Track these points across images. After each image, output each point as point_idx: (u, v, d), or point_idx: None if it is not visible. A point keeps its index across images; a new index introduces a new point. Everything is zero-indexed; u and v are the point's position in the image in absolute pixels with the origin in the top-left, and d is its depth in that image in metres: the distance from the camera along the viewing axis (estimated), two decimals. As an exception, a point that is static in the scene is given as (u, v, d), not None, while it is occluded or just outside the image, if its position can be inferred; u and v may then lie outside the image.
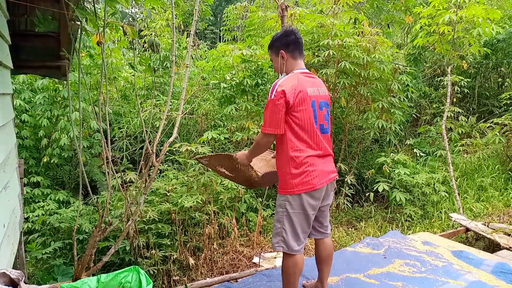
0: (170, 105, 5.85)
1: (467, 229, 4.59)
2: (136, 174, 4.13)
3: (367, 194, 5.63)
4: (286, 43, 2.55)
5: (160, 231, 4.17)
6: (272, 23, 6.33)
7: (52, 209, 4.88)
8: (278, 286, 2.70)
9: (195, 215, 4.32)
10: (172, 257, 4.04)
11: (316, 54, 5.83)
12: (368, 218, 5.47)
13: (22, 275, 2.19)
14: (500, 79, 9.37)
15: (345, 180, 5.57)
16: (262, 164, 2.99)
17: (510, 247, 4.00)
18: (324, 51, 5.61)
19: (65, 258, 4.41)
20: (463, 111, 7.70)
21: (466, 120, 7.70)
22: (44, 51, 3.70)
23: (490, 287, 3.05)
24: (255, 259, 4.05)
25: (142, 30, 6.99)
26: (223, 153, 2.87)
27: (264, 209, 4.78)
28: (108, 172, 3.41)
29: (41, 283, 2.49)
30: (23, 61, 3.80)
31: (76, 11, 2.66)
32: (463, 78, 7.16)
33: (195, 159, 3.52)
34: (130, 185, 4.21)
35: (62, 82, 5.99)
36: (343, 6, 5.97)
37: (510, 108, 7.31)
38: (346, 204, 5.59)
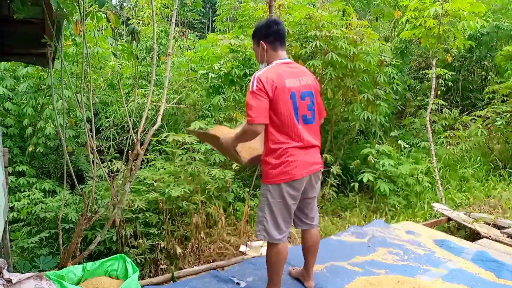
0: (157, 94, 5.84)
1: (449, 219, 4.70)
2: (122, 163, 4.11)
3: (352, 185, 5.71)
4: (267, 34, 2.55)
5: (147, 220, 4.17)
6: (261, 13, 6.31)
7: (37, 198, 4.84)
8: (264, 273, 2.74)
9: (182, 205, 4.33)
10: (159, 246, 4.05)
11: (303, 45, 5.85)
12: (353, 207, 5.55)
13: (5, 263, 2.18)
14: (483, 73, 9.54)
15: (331, 170, 5.63)
16: (257, 144, 2.96)
17: (490, 236, 4.11)
18: (311, 42, 5.63)
19: (51, 247, 4.39)
20: (447, 104, 7.83)
21: (450, 112, 7.84)
22: (28, 38, 3.63)
23: (469, 274, 3.14)
24: (242, 248, 4.09)
25: (130, 19, 6.90)
26: (211, 133, 2.87)
27: (251, 199, 4.81)
28: (93, 161, 3.39)
29: (24, 273, 2.49)
30: (6, 48, 3.73)
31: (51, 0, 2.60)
32: (447, 71, 7.27)
33: (186, 130, 3.52)
34: (117, 175, 4.20)
35: (46, 70, 5.90)
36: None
37: (493, 101, 7.47)
38: (332, 194, 5.66)
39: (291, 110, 2.46)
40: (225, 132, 2.85)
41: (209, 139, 2.96)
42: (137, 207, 3.99)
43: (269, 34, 2.54)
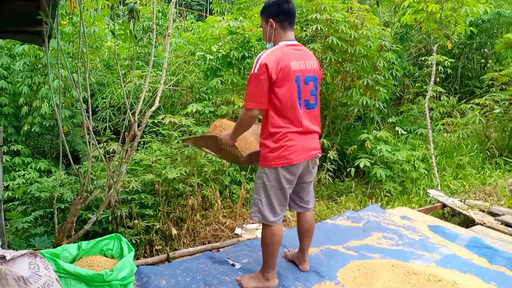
0: (154, 76, 5.78)
1: (444, 205, 4.73)
2: (119, 144, 4.09)
3: (348, 170, 5.72)
4: (277, 12, 2.46)
5: (143, 201, 4.17)
6: (261, -6, 6.21)
7: (33, 178, 4.82)
8: (259, 255, 2.76)
9: (178, 187, 4.33)
10: (154, 227, 4.06)
11: (303, 28, 5.78)
12: (348, 193, 5.57)
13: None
14: (483, 60, 9.49)
15: (328, 155, 5.63)
16: (253, 138, 2.96)
17: (484, 223, 4.14)
18: (312, 26, 5.56)
19: (46, 226, 4.39)
20: (445, 91, 7.80)
21: (448, 100, 7.82)
22: (23, 15, 3.56)
23: (463, 259, 3.17)
24: (237, 230, 4.11)
25: (127, -1, 6.81)
26: (207, 134, 2.84)
27: (247, 182, 4.82)
28: (89, 142, 3.37)
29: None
30: (1, 25, 3.66)
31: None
32: (447, 58, 7.22)
33: (181, 140, 3.50)
34: (113, 156, 4.18)
35: (42, 48, 5.81)
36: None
37: (491, 89, 7.44)
38: (328, 179, 5.67)
39: (294, 94, 2.42)
40: (225, 127, 2.81)
41: (207, 143, 2.90)
42: (132, 188, 3.98)
43: (280, 13, 2.46)
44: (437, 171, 5.56)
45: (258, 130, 2.82)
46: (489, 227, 4.06)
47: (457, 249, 3.39)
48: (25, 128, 5.74)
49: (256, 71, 2.35)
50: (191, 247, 3.83)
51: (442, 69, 7.42)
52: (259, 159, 2.56)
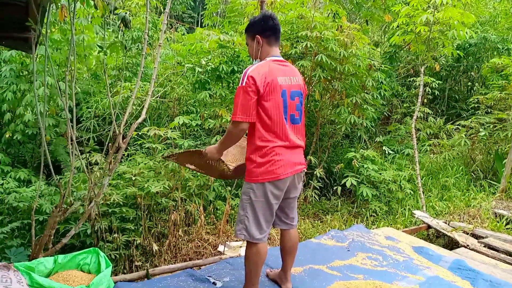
0: (142, 87, 5.71)
1: (429, 226, 4.73)
2: (102, 156, 4.00)
3: (334, 188, 5.70)
4: (263, 29, 2.49)
5: (124, 215, 4.06)
6: (252, 9, 6.25)
7: (11, 187, 4.67)
8: (241, 274, 2.69)
9: (161, 201, 4.24)
10: (135, 242, 3.95)
11: (294, 45, 5.81)
12: (334, 211, 5.54)
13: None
14: (469, 83, 9.65)
15: (314, 173, 5.60)
16: (236, 150, 2.92)
17: (468, 245, 4.14)
18: (302, 43, 5.59)
19: (23, 239, 4.23)
20: (432, 112, 7.89)
21: (435, 121, 7.90)
22: (11, 21, 3.51)
23: (446, 282, 3.14)
24: (220, 248, 4.03)
25: (117, 8, 6.77)
26: (191, 149, 2.78)
27: (232, 198, 4.74)
28: (72, 152, 3.29)
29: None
30: (-12, 30, 3.59)
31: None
32: (434, 80, 7.32)
33: (163, 157, 3.41)
34: (96, 167, 4.08)
35: (29, 55, 5.72)
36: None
37: (477, 112, 7.55)
38: (314, 197, 5.63)
39: (281, 108, 2.42)
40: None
41: (190, 159, 2.83)
42: (114, 201, 3.88)
43: (266, 29, 2.49)
44: (423, 192, 5.57)
45: (242, 142, 2.78)
46: (473, 249, 4.07)
47: (441, 271, 3.37)
48: (7, 136, 5.60)
49: (244, 84, 2.34)
50: (172, 263, 3.73)
51: (430, 91, 7.53)
52: (245, 172, 2.52)
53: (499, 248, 4.10)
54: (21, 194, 4.38)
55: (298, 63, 5.56)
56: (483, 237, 4.38)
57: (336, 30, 5.79)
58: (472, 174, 6.74)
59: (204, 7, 10.33)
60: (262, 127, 2.41)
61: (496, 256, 3.91)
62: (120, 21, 3.56)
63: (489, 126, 6.93)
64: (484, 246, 4.17)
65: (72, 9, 3.32)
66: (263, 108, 2.38)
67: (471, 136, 7.01)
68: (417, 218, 4.93)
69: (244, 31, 2.67)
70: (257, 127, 2.41)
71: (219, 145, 2.53)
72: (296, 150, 2.56)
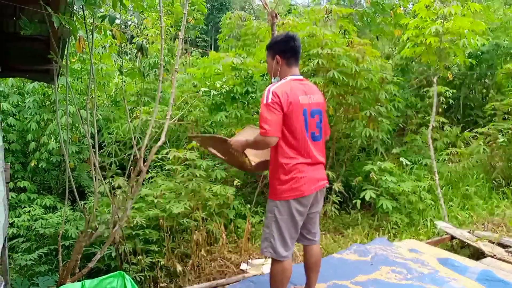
0: (160, 111, 5.86)
1: (452, 237, 4.64)
2: (124, 179, 4.10)
3: (354, 202, 5.67)
4: (284, 50, 2.55)
5: (147, 237, 4.14)
6: (264, 31, 6.39)
7: (38, 214, 4.82)
8: (266, 292, 2.71)
9: (183, 221, 4.30)
10: (159, 264, 4.01)
11: (306, 63, 5.90)
12: (355, 225, 5.50)
13: (2, 281, 2.16)
14: (484, 90, 9.55)
15: (333, 187, 5.60)
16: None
17: (495, 255, 4.05)
18: (313, 60, 5.68)
19: (50, 264, 4.35)
20: (448, 121, 7.83)
21: (451, 130, 7.83)
22: (33, 55, 3.68)
23: (474, 293, 3.09)
24: (243, 266, 4.04)
25: (135, 37, 6.99)
26: (218, 135, 2.84)
27: (252, 216, 4.78)
28: (95, 177, 3.39)
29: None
30: (12, 64, 3.77)
31: (53, 17, 2.65)
32: (448, 89, 7.29)
33: (188, 135, 3.46)
34: (118, 191, 4.19)
35: (51, 86, 5.95)
36: (334, 16, 6.07)
37: (494, 118, 7.46)
38: (334, 211, 5.62)
39: (302, 126, 2.47)
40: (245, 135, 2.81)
41: (214, 144, 2.90)
42: (137, 223, 3.96)
43: (286, 50, 2.55)
44: (444, 202, 5.50)
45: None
46: (500, 259, 3.97)
47: (468, 282, 3.31)
48: (32, 164, 5.80)
49: (270, 101, 2.38)
50: (196, 283, 3.76)
51: (444, 100, 7.48)
52: (266, 168, 2.56)
53: (527, 257, 4.01)
54: (47, 221, 4.51)
55: (311, 80, 5.64)
56: (510, 246, 4.28)
57: (347, 45, 5.87)
58: (494, 181, 6.62)
59: (218, 30, 10.56)
60: (285, 144, 2.46)
61: (525, 266, 3.82)
62: (138, 49, 3.70)
63: (508, 132, 6.83)
64: (512, 256, 4.07)
65: (90, 39, 3.48)
66: (286, 126, 2.43)
67: (490, 143, 6.92)
68: (439, 229, 4.86)
69: (265, 47, 2.71)
70: (280, 144, 2.46)
71: (246, 144, 2.58)
72: (318, 166, 2.60)
